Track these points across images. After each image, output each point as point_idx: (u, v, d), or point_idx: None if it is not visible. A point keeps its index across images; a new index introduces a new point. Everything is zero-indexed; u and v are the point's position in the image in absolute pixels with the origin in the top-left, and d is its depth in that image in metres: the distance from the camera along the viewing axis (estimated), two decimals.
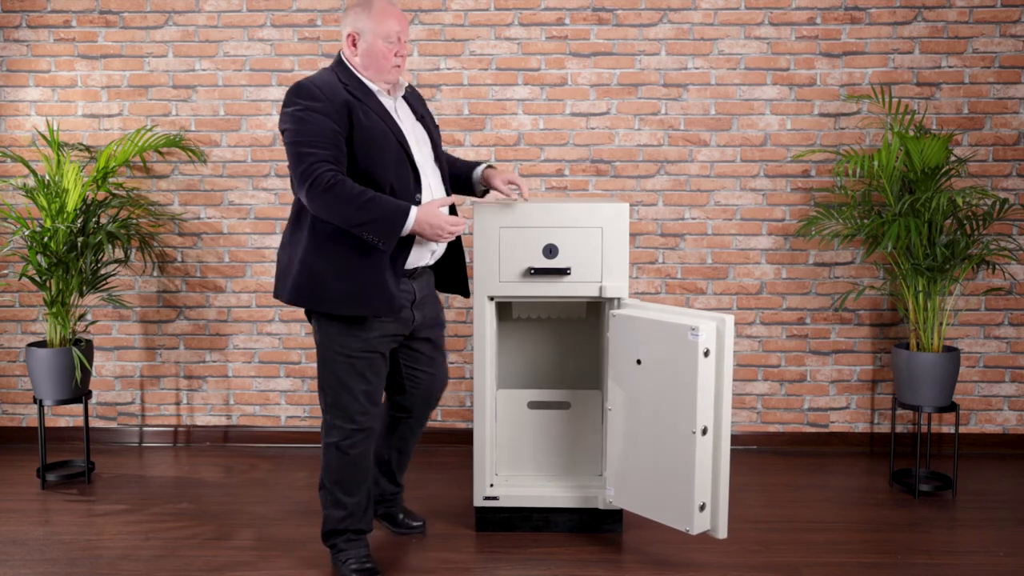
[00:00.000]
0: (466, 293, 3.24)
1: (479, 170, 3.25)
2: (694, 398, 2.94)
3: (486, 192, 3.32)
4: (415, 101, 3.09)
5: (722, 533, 3.05)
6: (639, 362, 3.11)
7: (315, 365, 4.52)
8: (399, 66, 2.90)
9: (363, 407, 2.95)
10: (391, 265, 2.87)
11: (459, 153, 4.36)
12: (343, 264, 2.84)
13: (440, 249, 3.07)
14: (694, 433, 2.95)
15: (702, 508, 3.01)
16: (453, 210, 3.09)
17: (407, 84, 3.04)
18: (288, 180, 4.44)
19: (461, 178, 3.27)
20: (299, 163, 2.75)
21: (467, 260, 3.28)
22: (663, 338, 3.02)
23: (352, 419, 2.95)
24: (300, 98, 2.79)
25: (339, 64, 2.93)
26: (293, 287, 2.89)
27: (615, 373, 3.21)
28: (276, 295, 2.98)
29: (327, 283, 2.84)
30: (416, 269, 3.01)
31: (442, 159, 3.11)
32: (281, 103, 4.37)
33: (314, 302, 2.89)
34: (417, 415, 3.30)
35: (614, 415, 3.23)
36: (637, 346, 3.11)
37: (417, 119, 3.05)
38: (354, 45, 2.88)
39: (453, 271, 3.20)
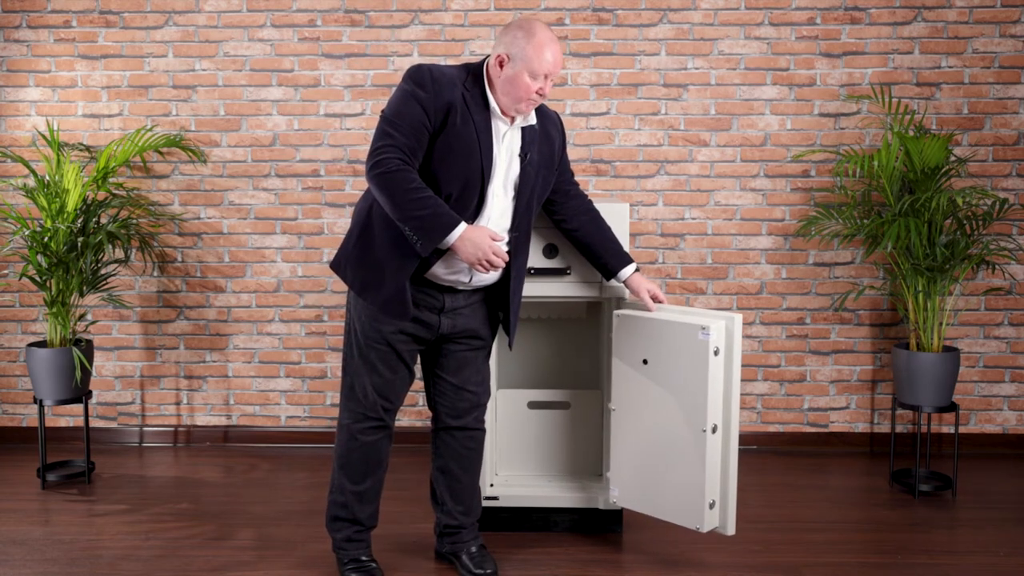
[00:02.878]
0: (508, 337, 3.05)
1: (627, 272, 3.11)
2: (705, 397, 2.95)
3: None
4: (534, 139, 2.91)
5: (731, 530, 3.07)
6: (645, 362, 3.11)
7: (314, 365, 4.52)
8: (535, 103, 2.81)
9: (372, 397, 2.93)
10: (415, 270, 2.82)
11: None
12: (376, 253, 2.82)
13: (482, 278, 2.91)
14: (704, 432, 2.96)
15: (712, 506, 3.02)
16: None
17: (533, 122, 2.90)
18: (288, 180, 4.45)
19: (604, 265, 3.13)
20: (376, 140, 2.75)
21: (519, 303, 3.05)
22: (672, 338, 3.02)
23: (362, 404, 2.94)
24: (411, 79, 2.76)
25: (477, 70, 2.83)
26: (337, 253, 2.94)
27: (619, 373, 3.21)
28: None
29: (358, 263, 2.86)
30: (452, 288, 2.91)
31: (529, 209, 2.93)
32: (282, 102, 4.40)
33: (344, 275, 2.91)
34: (449, 430, 3.08)
35: (618, 415, 3.23)
36: (643, 346, 3.11)
37: (521, 157, 2.87)
38: (500, 67, 2.78)
39: (501, 308, 3.03)
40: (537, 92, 2.77)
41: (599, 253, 3.13)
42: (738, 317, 2.98)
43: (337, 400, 4.50)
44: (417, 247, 2.73)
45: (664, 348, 3.05)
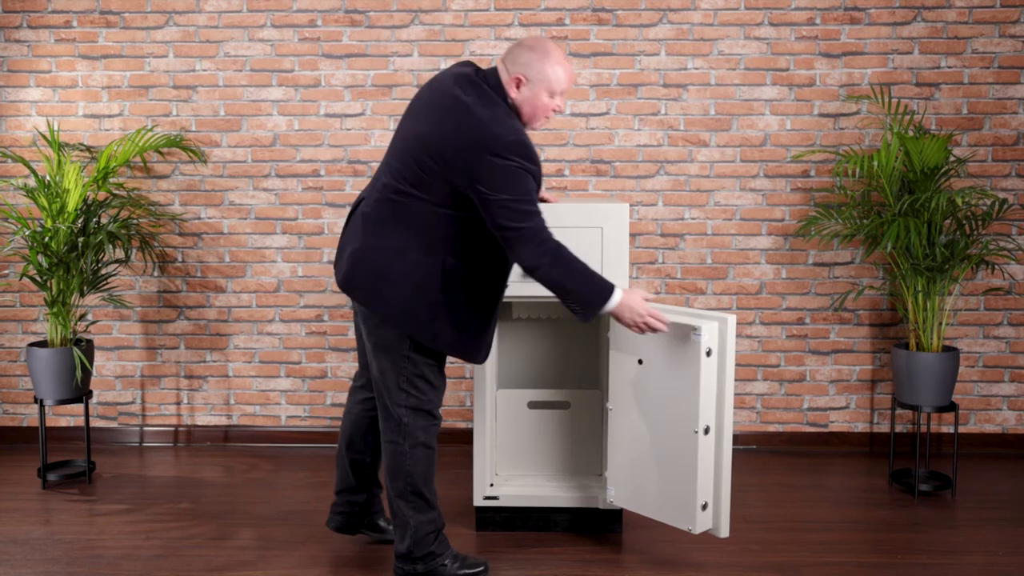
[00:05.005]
0: None
1: None
2: (697, 398, 2.95)
3: None
4: None
5: (724, 532, 3.06)
6: (641, 362, 3.12)
7: (315, 365, 4.52)
8: (550, 119, 2.98)
9: (441, 403, 3.00)
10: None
11: None
12: (464, 309, 2.84)
13: None
14: (696, 432, 2.96)
15: (704, 507, 3.02)
16: None
17: None
18: (288, 180, 4.45)
19: None
20: (524, 219, 2.72)
21: None
22: (665, 338, 3.02)
23: (436, 415, 2.97)
24: (523, 157, 2.73)
25: (506, 104, 2.82)
26: (400, 310, 2.81)
27: (616, 373, 3.21)
28: (365, 303, 2.85)
29: (451, 324, 2.83)
30: None
31: None
32: (282, 103, 4.40)
33: (420, 334, 2.83)
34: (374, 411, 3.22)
35: (615, 415, 3.23)
36: (639, 346, 3.12)
37: None
38: (517, 88, 2.83)
39: None
40: (554, 110, 2.88)
41: None
42: (731, 318, 2.97)
43: (338, 400, 4.51)
44: (578, 316, 2.83)
45: (658, 348, 3.06)
